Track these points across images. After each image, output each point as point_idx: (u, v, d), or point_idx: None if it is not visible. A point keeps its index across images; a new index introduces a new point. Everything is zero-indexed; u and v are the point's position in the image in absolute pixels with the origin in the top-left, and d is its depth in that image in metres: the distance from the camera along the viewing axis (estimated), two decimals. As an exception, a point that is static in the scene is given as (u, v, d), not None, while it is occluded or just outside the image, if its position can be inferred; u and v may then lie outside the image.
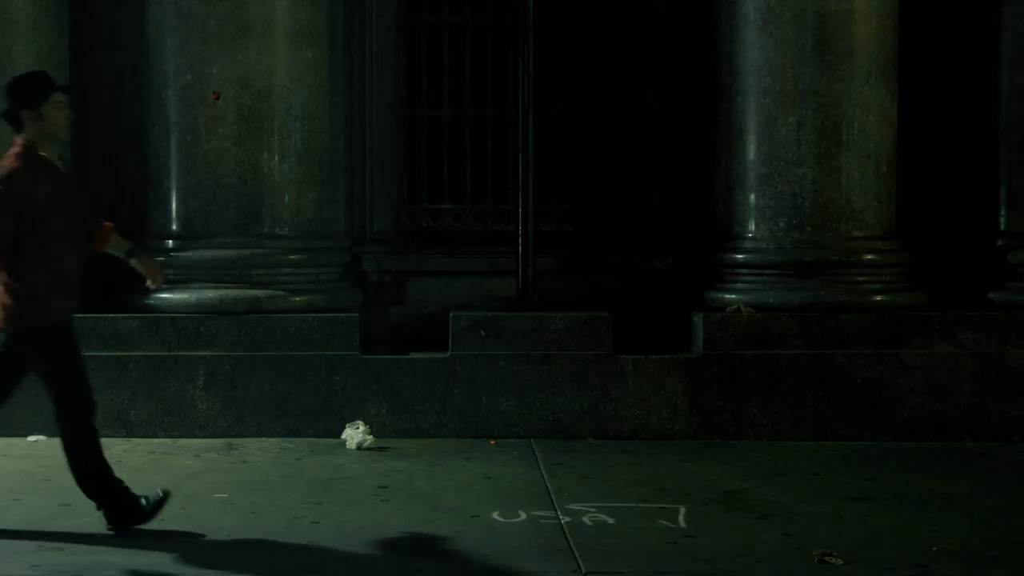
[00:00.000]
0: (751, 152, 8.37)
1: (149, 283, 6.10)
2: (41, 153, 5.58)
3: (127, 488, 5.76)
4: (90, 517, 5.91)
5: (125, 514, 5.74)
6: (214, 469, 7.15)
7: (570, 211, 9.45)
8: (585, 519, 6.02)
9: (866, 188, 8.32)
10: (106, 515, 5.74)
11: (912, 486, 6.87)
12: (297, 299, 8.19)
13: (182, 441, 7.89)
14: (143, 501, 5.75)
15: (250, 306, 8.09)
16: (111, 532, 5.70)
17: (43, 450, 7.61)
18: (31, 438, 7.89)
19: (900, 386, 8.11)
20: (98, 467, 5.73)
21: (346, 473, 7.06)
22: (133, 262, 6.04)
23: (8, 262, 5.51)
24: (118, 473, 6.73)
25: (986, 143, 8.98)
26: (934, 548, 5.56)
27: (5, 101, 5.58)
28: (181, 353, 8.00)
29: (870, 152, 8.31)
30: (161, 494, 5.78)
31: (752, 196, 8.38)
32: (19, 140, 5.57)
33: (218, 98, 8.08)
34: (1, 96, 5.61)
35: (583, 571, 5.18)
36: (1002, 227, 8.91)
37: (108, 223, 5.98)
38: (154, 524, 5.70)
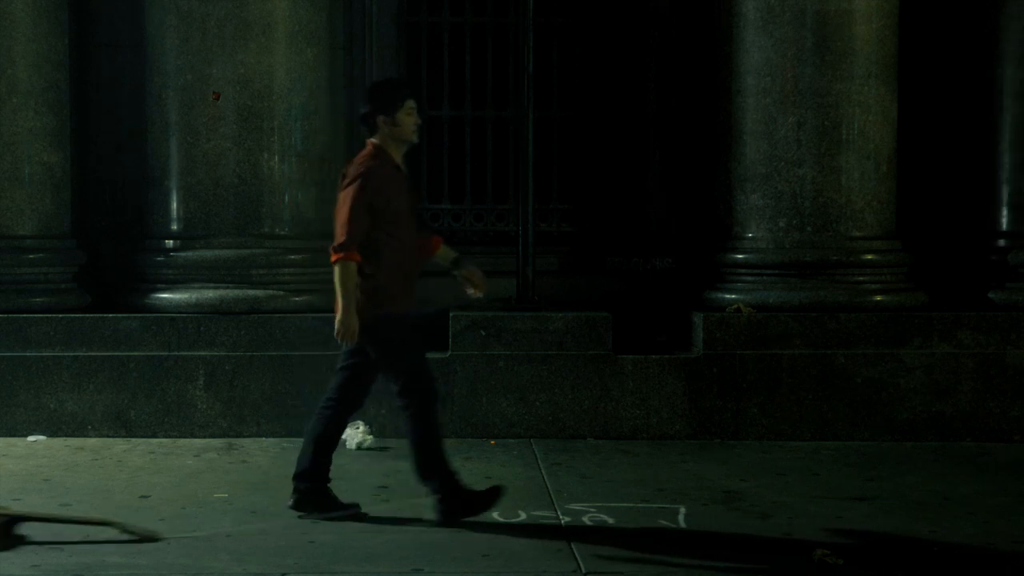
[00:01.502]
0: (751, 152, 8.37)
1: (472, 292, 6.14)
2: (390, 155, 5.81)
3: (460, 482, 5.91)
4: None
5: (459, 506, 5.84)
6: (214, 469, 7.15)
7: (570, 211, 9.45)
8: (585, 519, 6.02)
9: (866, 188, 8.32)
10: (439, 504, 5.84)
11: (912, 486, 6.87)
12: (297, 299, 8.19)
13: (182, 441, 7.89)
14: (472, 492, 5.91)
15: (250, 306, 8.09)
16: (439, 522, 5.81)
17: (43, 450, 7.61)
18: (31, 438, 7.90)
19: (900, 386, 8.11)
20: (438, 457, 5.87)
21: (346, 473, 7.05)
22: (457, 273, 6.16)
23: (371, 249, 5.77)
24: (118, 473, 6.74)
25: (986, 143, 8.98)
26: (934, 548, 5.56)
27: (364, 105, 5.87)
28: (181, 353, 8.00)
29: (870, 152, 8.31)
30: (493, 489, 5.93)
31: (752, 196, 8.38)
32: (371, 142, 5.84)
33: (218, 98, 8.08)
34: (361, 100, 5.93)
35: (583, 571, 5.18)
36: (1002, 227, 8.92)
37: (437, 236, 6.19)
38: (153, 525, 5.69)
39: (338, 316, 5.80)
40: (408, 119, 5.81)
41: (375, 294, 5.79)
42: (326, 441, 6.00)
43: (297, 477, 5.96)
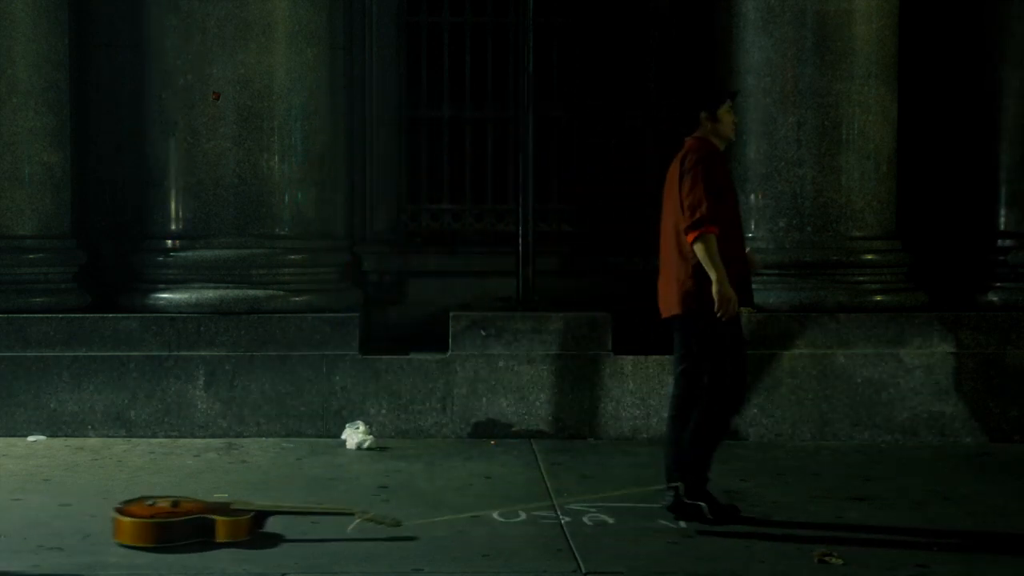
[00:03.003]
0: (751, 152, 8.37)
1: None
2: (692, 152, 5.95)
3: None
4: (90, 517, 5.91)
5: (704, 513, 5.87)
6: (214, 469, 7.15)
7: (570, 211, 9.45)
8: (585, 519, 6.02)
9: (866, 188, 8.32)
10: (686, 492, 5.88)
11: (912, 486, 6.87)
12: (297, 299, 8.19)
13: (182, 441, 7.89)
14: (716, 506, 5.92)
15: (250, 306, 8.09)
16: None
17: (43, 450, 7.61)
18: (31, 438, 7.89)
19: (900, 386, 8.11)
20: (707, 461, 5.94)
21: (346, 473, 7.06)
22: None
23: (682, 248, 5.86)
24: (118, 473, 6.75)
25: (986, 143, 8.97)
26: (934, 548, 5.56)
27: (684, 103, 6.13)
28: (181, 353, 8.00)
29: (870, 152, 8.31)
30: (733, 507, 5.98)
31: (752, 196, 8.38)
32: (696, 136, 6.03)
33: (218, 98, 8.08)
34: (683, 99, 6.24)
35: (583, 571, 5.18)
36: (1002, 227, 8.91)
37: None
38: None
39: (713, 288, 5.77)
40: (728, 117, 6.01)
41: (699, 284, 5.82)
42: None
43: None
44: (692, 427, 5.91)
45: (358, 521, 5.61)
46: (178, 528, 5.44)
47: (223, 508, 5.61)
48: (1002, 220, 8.92)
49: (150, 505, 5.58)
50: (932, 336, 8.14)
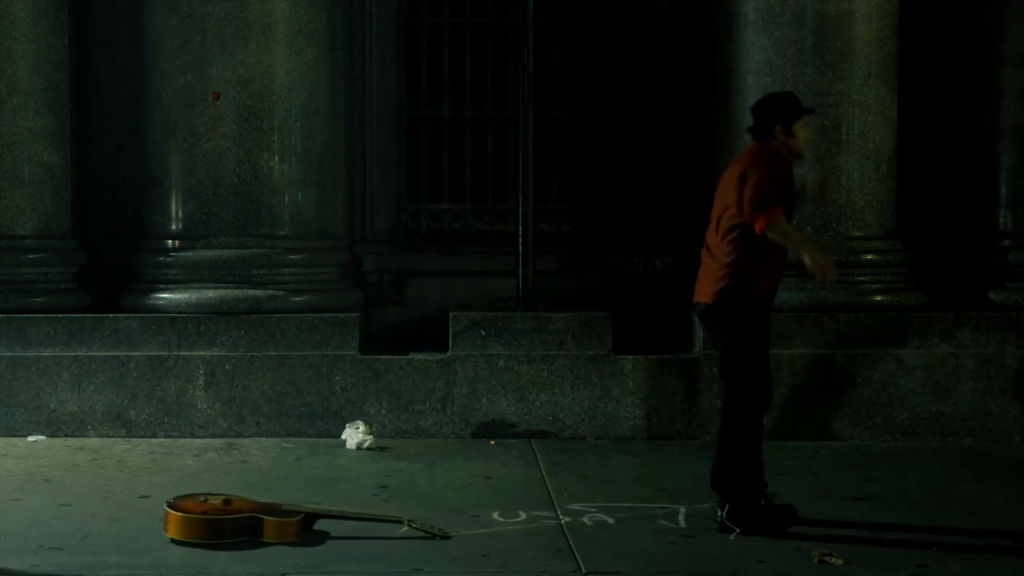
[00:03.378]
0: (751, 152, 8.35)
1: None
2: (760, 156, 5.89)
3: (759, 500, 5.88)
4: (90, 517, 5.91)
5: (751, 519, 5.79)
6: (214, 469, 7.15)
7: (570, 211, 9.45)
8: (585, 519, 6.02)
9: (866, 188, 8.31)
10: (727, 514, 5.80)
11: (912, 486, 6.87)
12: (297, 299, 8.19)
13: (182, 441, 7.89)
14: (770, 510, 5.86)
15: (250, 306, 8.08)
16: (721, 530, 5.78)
17: (43, 450, 7.61)
18: (31, 438, 7.89)
19: (900, 386, 8.11)
20: (749, 465, 5.84)
21: (346, 473, 7.06)
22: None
23: (736, 246, 5.81)
24: (118, 473, 6.74)
25: (986, 143, 8.97)
26: (934, 548, 5.56)
27: (760, 114, 5.99)
28: (181, 353, 8.00)
29: (870, 152, 8.31)
30: (787, 508, 5.92)
31: (752, 196, 8.36)
32: (769, 144, 5.93)
33: (218, 98, 8.08)
34: (756, 110, 6.04)
35: (583, 571, 5.18)
36: (1002, 227, 8.91)
37: None
38: (153, 525, 5.68)
39: (806, 259, 5.75)
40: (803, 132, 5.96)
41: (736, 280, 5.80)
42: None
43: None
44: (723, 435, 5.89)
45: (405, 528, 5.63)
46: (229, 525, 5.48)
47: (274, 509, 5.64)
48: (1002, 220, 8.92)
49: (202, 502, 5.62)
50: (932, 336, 8.14)
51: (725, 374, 5.92)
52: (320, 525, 5.69)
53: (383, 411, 8.06)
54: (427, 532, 5.62)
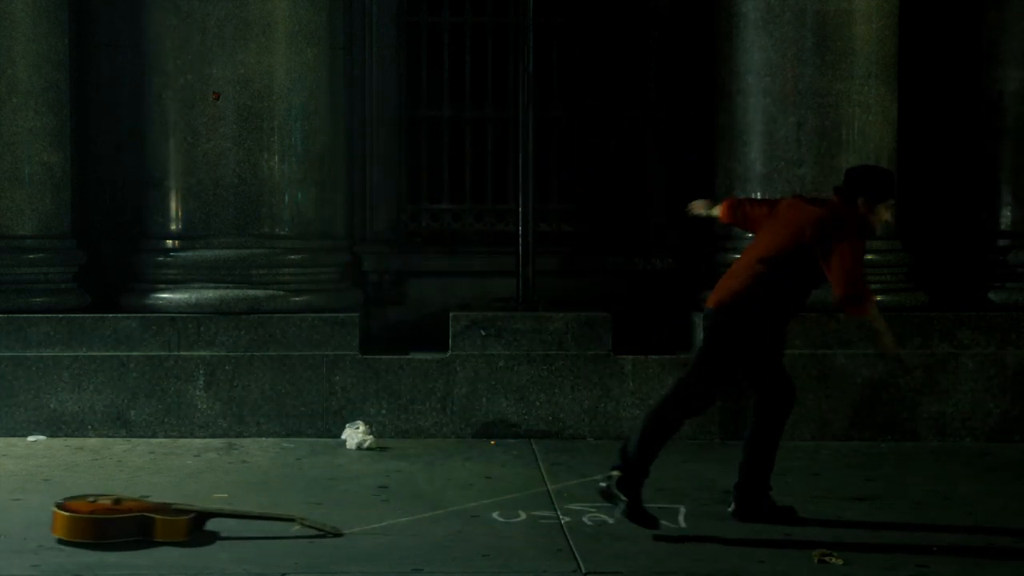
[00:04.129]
0: (751, 152, 8.37)
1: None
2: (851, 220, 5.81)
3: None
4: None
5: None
6: (214, 469, 7.15)
7: (570, 211, 9.44)
8: (585, 519, 6.02)
9: (866, 188, 8.30)
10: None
11: (912, 486, 6.87)
12: (297, 299, 8.19)
13: (182, 441, 7.89)
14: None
15: (250, 306, 8.09)
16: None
17: (43, 450, 7.61)
18: (31, 438, 7.89)
19: (900, 386, 8.11)
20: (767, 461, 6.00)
21: (346, 473, 7.06)
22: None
23: (744, 271, 5.81)
24: (118, 473, 6.73)
25: (986, 143, 8.97)
26: (934, 548, 5.56)
27: (849, 181, 5.96)
28: (181, 353, 8.00)
29: (870, 152, 8.30)
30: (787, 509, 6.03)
31: (752, 196, 8.36)
32: (847, 204, 5.86)
33: (218, 98, 8.08)
34: (848, 176, 6.03)
35: (583, 571, 5.18)
36: (1002, 227, 8.90)
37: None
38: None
39: (884, 343, 5.92)
40: (885, 214, 5.90)
41: (747, 304, 5.77)
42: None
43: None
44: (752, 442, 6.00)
45: (298, 527, 5.62)
46: (114, 525, 5.45)
47: (164, 508, 5.62)
48: (1002, 220, 8.92)
49: (91, 502, 5.59)
50: (932, 336, 8.14)
51: (751, 386, 6.05)
52: (213, 524, 5.66)
53: (383, 411, 8.06)
54: (319, 530, 5.59)
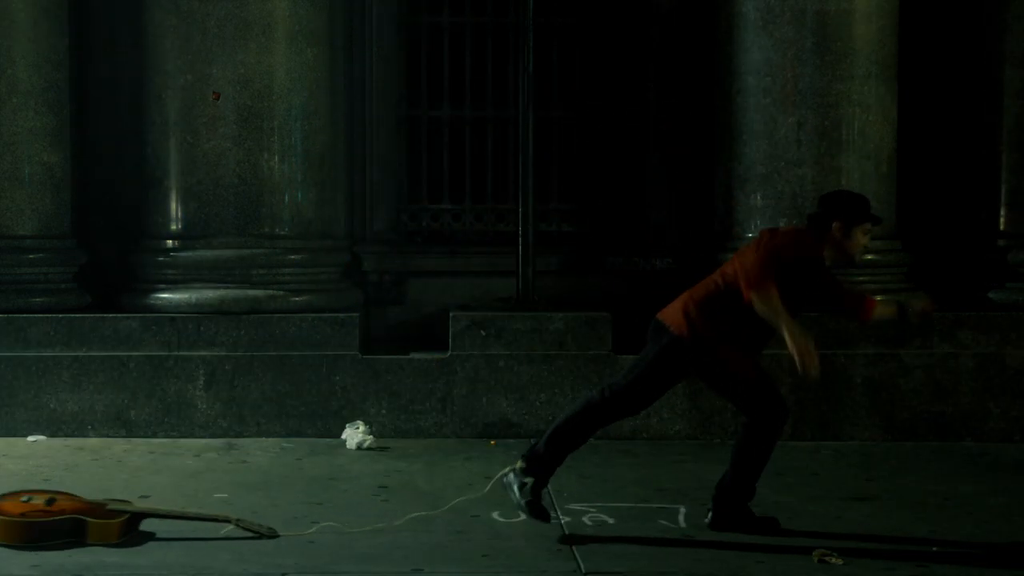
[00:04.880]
0: (751, 152, 8.37)
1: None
2: (824, 253, 5.71)
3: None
4: (90, 517, 5.91)
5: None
6: (214, 469, 7.15)
7: (570, 211, 9.45)
8: (585, 519, 6.02)
9: (866, 188, 8.27)
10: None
11: (912, 486, 6.87)
12: (297, 299, 8.19)
13: (182, 441, 7.89)
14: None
15: (250, 306, 8.09)
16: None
17: (43, 450, 7.61)
18: (31, 438, 7.90)
19: (900, 386, 8.11)
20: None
21: (346, 473, 7.06)
22: (911, 313, 6.02)
23: (720, 301, 5.66)
24: (118, 473, 6.73)
25: (986, 143, 8.97)
26: (934, 548, 5.56)
27: (824, 205, 5.82)
28: (181, 353, 8.00)
29: (870, 152, 8.31)
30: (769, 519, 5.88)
31: (752, 196, 8.38)
32: (812, 233, 5.73)
33: (218, 98, 8.08)
34: (822, 201, 5.89)
35: (583, 571, 5.18)
36: (1002, 227, 8.91)
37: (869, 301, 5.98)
38: (155, 525, 5.68)
39: (788, 341, 5.52)
40: (861, 238, 5.76)
41: (712, 327, 5.65)
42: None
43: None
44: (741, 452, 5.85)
45: (231, 528, 5.60)
46: (47, 528, 5.41)
47: (98, 509, 5.56)
48: (1002, 220, 8.92)
49: (25, 502, 5.53)
50: (932, 336, 8.14)
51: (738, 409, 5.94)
52: (148, 525, 5.64)
53: (383, 411, 8.06)
54: (254, 531, 5.56)
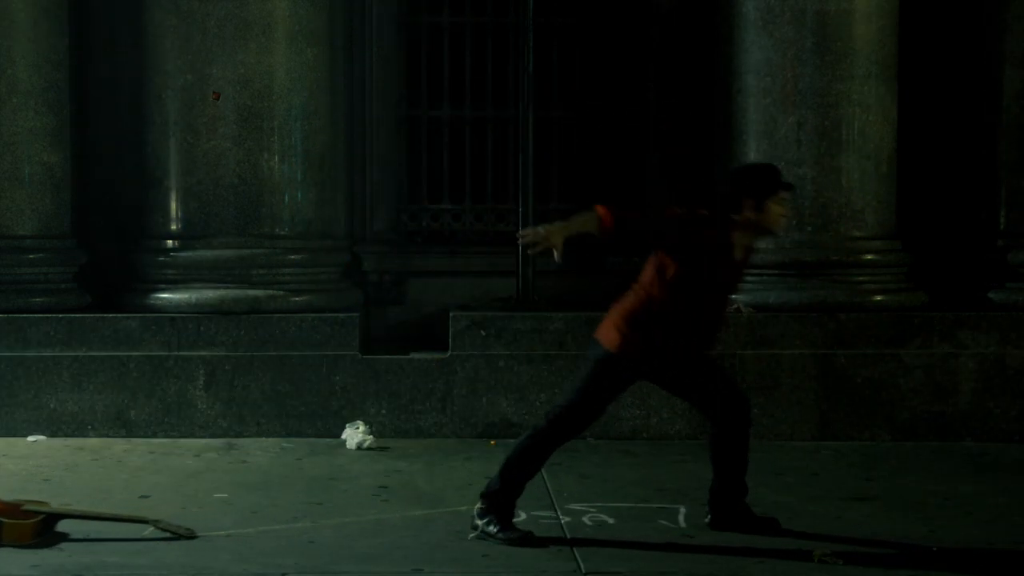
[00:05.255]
0: (751, 152, 8.36)
1: None
2: (733, 234, 5.55)
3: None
4: (90, 517, 5.91)
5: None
6: (214, 469, 7.15)
7: (570, 211, 9.41)
8: (585, 519, 6.02)
9: (866, 188, 8.32)
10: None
11: (912, 486, 6.87)
12: (297, 299, 8.19)
13: (182, 441, 7.89)
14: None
15: (250, 306, 8.09)
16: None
17: (43, 450, 7.61)
18: (31, 438, 7.90)
19: (900, 386, 8.11)
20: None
21: (346, 473, 7.06)
22: None
23: (648, 295, 5.67)
24: (118, 473, 6.73)
25: (986, 143, 8.97)
26: (934, 548, 5.56)
27: (732, 183, 5.63)
28: (181, 353, 8.00)
29: (870, 152, 8.31)
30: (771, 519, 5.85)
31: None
32: (723, 214, 5.57)
33: (218, 98, 8.08)
34: (728, 179, 5.75)
35: (583, 571, 5.18)
36: (1002, 227, 8.90)
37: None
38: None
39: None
40: (777, 209, 5.53)
41: (643, 336, 5.58)
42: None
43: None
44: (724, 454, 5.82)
45: (151, 529, 5.59)
46: None
47: (12, 510, 5.53)
48: (1002, 220, 8.92)
49: None
50: (932, 336, 8.14)
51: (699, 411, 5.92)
52: (65, 525, 5.61)
53: (383, 411, 8.06)
54: (172, 533, 5.54)
